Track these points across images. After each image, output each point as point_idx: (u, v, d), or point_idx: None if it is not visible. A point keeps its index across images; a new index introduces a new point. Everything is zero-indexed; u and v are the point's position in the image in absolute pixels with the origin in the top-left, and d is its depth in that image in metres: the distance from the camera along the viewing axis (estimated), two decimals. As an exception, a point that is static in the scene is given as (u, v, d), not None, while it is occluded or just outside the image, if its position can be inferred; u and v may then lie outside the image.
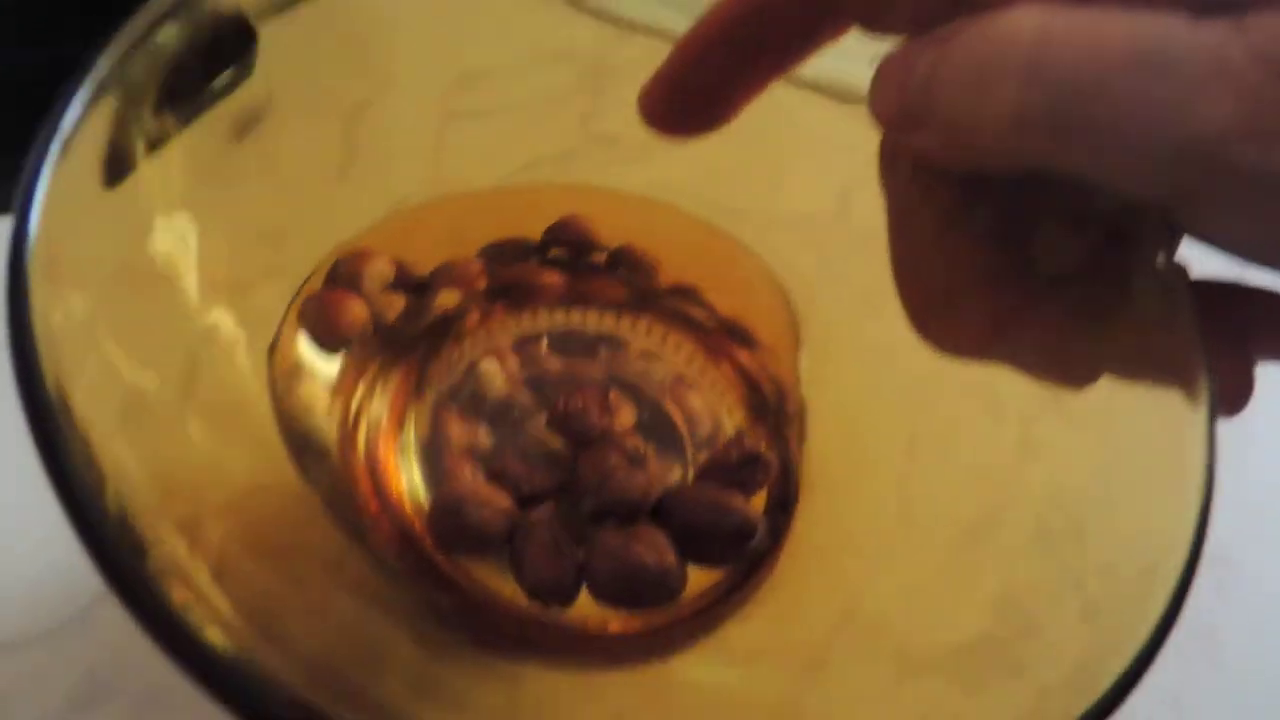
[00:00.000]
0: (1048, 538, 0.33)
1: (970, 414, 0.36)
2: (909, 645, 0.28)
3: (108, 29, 0.47)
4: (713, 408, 0.31)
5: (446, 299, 0.30)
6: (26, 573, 0.30)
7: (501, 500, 0.26)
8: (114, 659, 0.29)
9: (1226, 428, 0.36)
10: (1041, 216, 0.23)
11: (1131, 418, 0.36)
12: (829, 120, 0.47)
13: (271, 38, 0.54)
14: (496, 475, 0.28)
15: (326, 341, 0.27)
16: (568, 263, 0.33)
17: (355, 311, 0.27)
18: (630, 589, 0.26)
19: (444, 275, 0.31)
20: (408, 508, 0.27)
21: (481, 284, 0.30)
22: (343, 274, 0.29)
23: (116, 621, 0.30)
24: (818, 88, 0.54)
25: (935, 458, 0.34)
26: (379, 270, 0.29)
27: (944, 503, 0.33)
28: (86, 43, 0.49)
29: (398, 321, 0.29)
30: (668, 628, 0.26)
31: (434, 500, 0.27)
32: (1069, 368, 0.24)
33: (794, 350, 0.30)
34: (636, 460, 0.29)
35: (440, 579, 0.26)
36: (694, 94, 0.24)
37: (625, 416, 0.31)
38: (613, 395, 0.31)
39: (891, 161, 0.23)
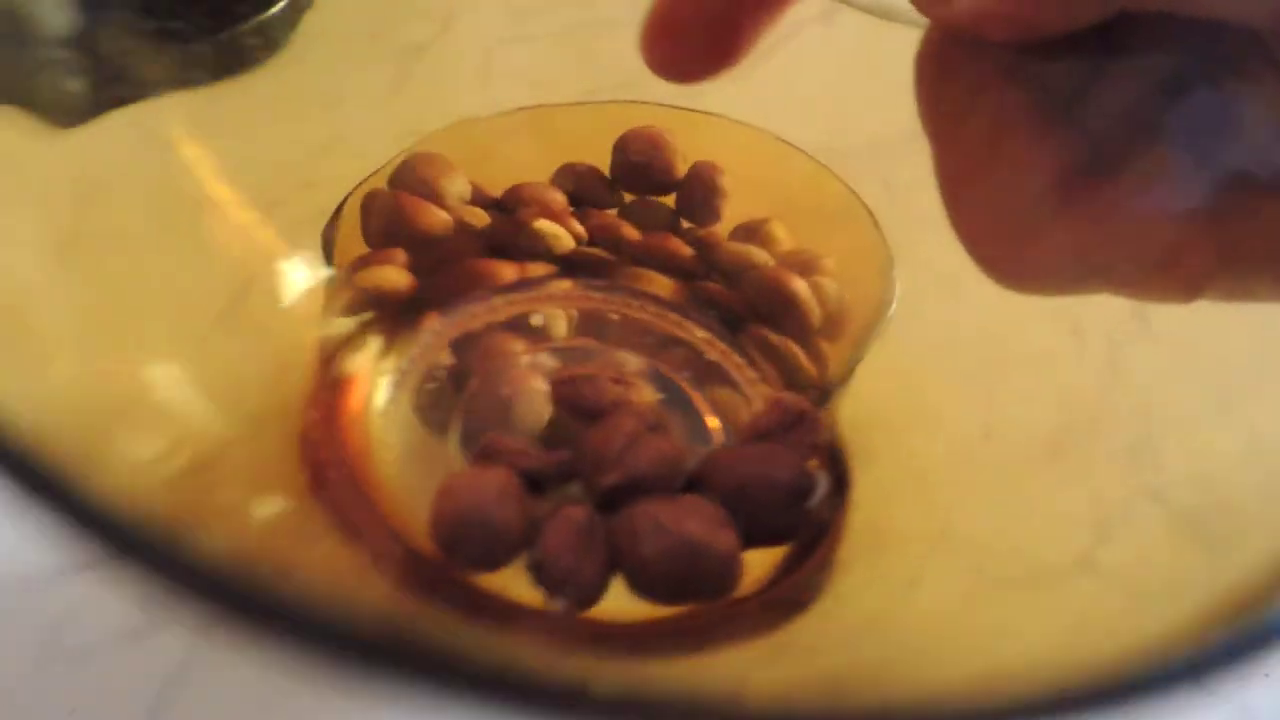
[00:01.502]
0: (1133, 453, 0.32)
1: (1054, 339, 0.36)
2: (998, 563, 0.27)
3: None
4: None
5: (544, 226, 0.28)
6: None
7: (513, 488, 0.21)
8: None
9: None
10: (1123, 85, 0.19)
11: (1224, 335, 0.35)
12: (898, 46, 0.45)
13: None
14: (487, 456, 0.22)
15: (397, 240, 0.26)
16: (640, 214, 0.30)
17: (435, 215, 0.26)
18: (684, 573, 0.20)
19: (524, 200, 0.30)
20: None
21: (568, 223, 0.28)
22: (413, 180, 0.28)
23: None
24: (882, 13, 0.52)
25: (1020, 382, 0.34)
26: (458, 186, 0.29)
27: (1028, 424, 0.33)
28: None
29: (491, 236, 0.26)
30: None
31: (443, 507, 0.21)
32: (1178, 279, 0.20)
33: (874, 278, 0.29)
34: (658, 428, 0.23)
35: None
36: (698, 30, 0.21)
37: (644, 393, 0.26)
38: (629, 372, 0.26)
39: (934, 56, 0.20)
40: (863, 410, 0.33)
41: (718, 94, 0.50)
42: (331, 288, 0.25)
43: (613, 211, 0.32)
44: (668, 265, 0.29)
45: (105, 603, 0.29)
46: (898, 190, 0.42)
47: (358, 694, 0.25)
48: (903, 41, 0.53)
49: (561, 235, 0.28)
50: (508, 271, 0.28)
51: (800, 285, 0.26)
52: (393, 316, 0.25)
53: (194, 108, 0.45)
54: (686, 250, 0.28)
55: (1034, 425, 0.32)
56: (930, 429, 0.33)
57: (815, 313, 0.26)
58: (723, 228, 0.32)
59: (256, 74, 0.47)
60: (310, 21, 0.51)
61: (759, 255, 0.27)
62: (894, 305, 0.27)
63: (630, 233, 0.30)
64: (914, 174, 0.45)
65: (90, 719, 0.26)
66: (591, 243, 0.29)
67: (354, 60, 0.48)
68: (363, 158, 0.31)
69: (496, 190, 0.31)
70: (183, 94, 0.45)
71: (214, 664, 0.27)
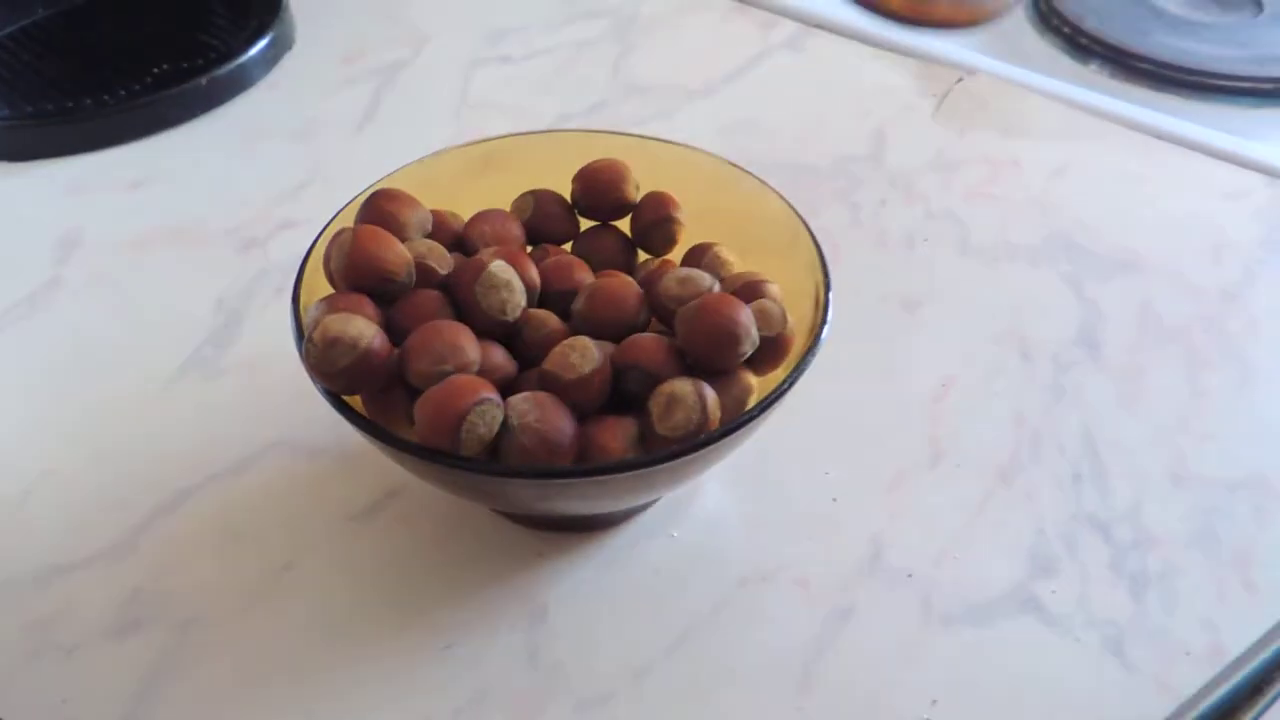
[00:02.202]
0: (1076, 479, 0.33)
1: (1002, 360, 0.37)
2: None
3: None
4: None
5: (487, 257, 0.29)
6: (74, 497, 0.32)
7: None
8: (159, 580, 0.31)
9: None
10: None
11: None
12: (860, 66, 0.47)
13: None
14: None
15: (359, 284, 0.28)
16: (597, 246, 0.32)
17: (395, 252, 0.27)
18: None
19: (485, 238, 0.31)
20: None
21: (524, 266, 0.29)
22: (376, 215, 0.30)
23: (162, 542, 0.32)
24: (849, 35, 0.54)
25: (968, 403, 0.35)
26: (420, 217, 0.30)
27: (976, 446, 0.34)
28: None
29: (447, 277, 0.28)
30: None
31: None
32: None
33: (816, 305, 0.30)
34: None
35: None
36: None
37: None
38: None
39: None
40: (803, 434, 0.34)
41: (684, 116, 0.52)
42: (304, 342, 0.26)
43: (568, 247, 0.33)
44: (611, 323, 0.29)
45: (93, 601, 0.30)
46: (863, 210, 0.44)
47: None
48: (869, 68, 0.54)
49: (513, 286, 0.28)
50: (468, 344, 0.28)
51: (741, 320, 0.27)
52: (374, 386, 0.27)
53: (173, 147, 0.47)
54: (633, 293, 0.29)
55: (985, 448, 0.34)
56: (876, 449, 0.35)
57: (751, 344, 0.27)
58: (676, 252, 0.34)
59: (238, 108, 0.49)
60: (290, 57, 0.53)
61: (703, 282, 0.29)
62: (828, 328, 0.28)
63: (584, 275, 0.31)
64: (878, 191, 0.46)
65: (81, 707, 0.28)
66: (545, 289, 0.30)
67: (331, 91, 0.50)
68: (340, 191, 0.33)
69: (462, 220, 0.32)
70: (164, 134, 0.48)
71: (195, 657, 0.29)
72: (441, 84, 0.51)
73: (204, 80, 0.47)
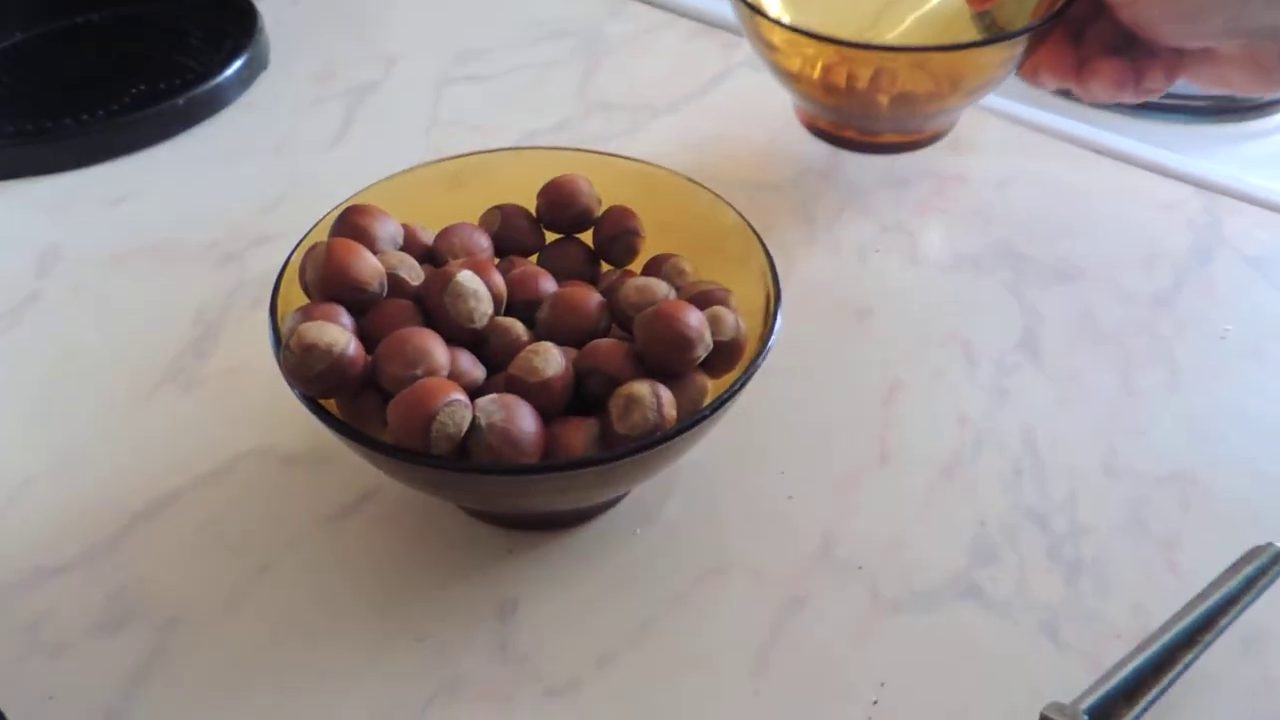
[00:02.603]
0: (1017, 474, 0.35)
1: (947, 363, 0.39)
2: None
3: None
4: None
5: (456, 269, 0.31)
6: (57, 502, 0.33)
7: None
8: (142, 581, 0.33)
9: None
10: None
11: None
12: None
13: (274, 17, 0.57)
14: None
15: (333, 294, 0.29)
16: (560, 255, 0.34)
17: (368, 263, 0.29)
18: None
19: (454, 250, 0.33)
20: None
21: (490, 276, 0.31)
22: (348, 229, 0.31)
23: (144, 545, 0.33)
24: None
25: (915, 405, 0.37)
26: (390, 231, 0.32)
27: (922, 445, 0.36)
28: (93, 11, 0.53)
29: (422, 298, 0.30)
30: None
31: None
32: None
33: (766, 312, 0.32)
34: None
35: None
36: None
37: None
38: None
39: None
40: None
41: (648, 133, 0.54)
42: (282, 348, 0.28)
43: (533, 258, 0.35)
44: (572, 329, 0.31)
45: (78, 602, 0.32)
46: (818, 223, 0.46)
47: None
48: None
49: (480, 295, 0.30)
50: (437, 350, 0.30)
51: (694, 325, 0.29)
52: (349, 392, 0.28)
53: (152, 164, 0.49)
54: (594, 301, 0.31)
55: (930, 447, 0.36)
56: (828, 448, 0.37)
57: (705, 348, 0.29)
58: (636, 263, 0.35)
59: (215, 127, 0.51)
60: (265, 77, 0.55)
61: (660, 290, 0.31)
62: (774, 343, 0.30)
63: (548, 284, 0.33)
64: (834, 205, 0.48)
65: (68, 704, 0.29)
66: (511, 298, 0.32)
67: (305, 110, 0.52)
68: (314, 206, 0.34)
69: (431, 229, 0.34)
70: (143, 152, 0.49)
71: (178, 655, 0.30)
72: (412, 103, 0.53)
73: (181, 100, 0.49)
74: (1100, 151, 0.50)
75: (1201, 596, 0.30)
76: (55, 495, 0.35)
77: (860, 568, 0.33)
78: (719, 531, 0.34)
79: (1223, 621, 0.29)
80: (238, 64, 0.52)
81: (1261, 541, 0.32)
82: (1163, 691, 0.28)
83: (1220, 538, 0.33)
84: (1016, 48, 0.42)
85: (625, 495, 0.34)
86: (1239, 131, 0.52)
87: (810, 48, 0.43)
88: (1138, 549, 0.34)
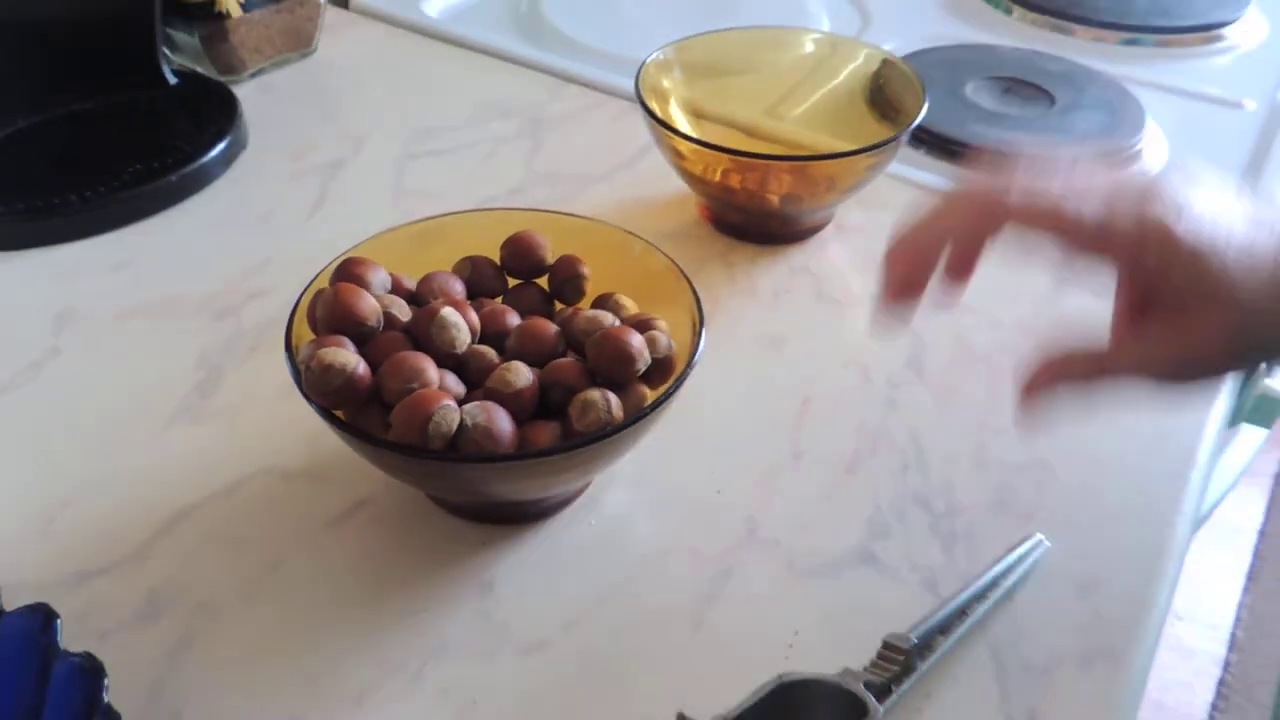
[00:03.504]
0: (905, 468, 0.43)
1: (849, 381, 0.47)
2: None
3: (105, 88, 0.59)
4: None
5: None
6: (93, 516, 0.39)
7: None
8: (171, 579, 0.38)
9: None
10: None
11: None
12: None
13: (250, 103, 0.64)
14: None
15: (339, 328, 0.36)
16: (521, 297, 0.42)
17: (366, 301, 0.36)
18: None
19: (433, 291, 0.40)
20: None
21: (466, 312, 0.38)
22: (346, 276, 0.38)
23: (171, 550, 0.39)
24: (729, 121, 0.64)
25: (822, 414, 0.45)
26: (380, 278, 0.39)
27: (828, 447, 0.44)
28: (89, 100, 0.60)
29: (411, 328, 0.37)
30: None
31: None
32: None
33: (693, 334, 0.40)
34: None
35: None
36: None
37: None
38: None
39: None
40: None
41: (587, 197, 0.62)
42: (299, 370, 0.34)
43: (499, 299, 0.43)
44: (535, 353, 0.39)
45: (117, 598, 0.37)
46: (737, 269, 0.54)
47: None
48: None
49: (460, 326, 0.37)
50: (429, 369, 0.37)
51: (635, 343, 0.36)
52: (357, 406, 0.35)
53: (150, 233, 0.55)
54: (552, 331, 0.38)
55: (834, 448, 0.44)
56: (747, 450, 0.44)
57: (644, 362, 0.36)
58: (585, 301, 0.43)
59: (203, 200, 0.57)
60: (246, 156, 0.62)
61: (606, 319, 0.38)
62: (699, 356, 0.38)
63: (513, 319, 0.40)
64: (749, 255, 0.57)
65: (116, 681, 0.34)
66: (484, 330, 0.39)
67: (283, 184, 0.59)
68: (299, 267, 0.41)
69: (412, 278, 0.41)
70: (141, 223, 0.55)
71: (207, 638, 0.36)
72: (379, 175, 0.60)
73: (174, 177, 0.56)
74: (973, 205, 0.59)
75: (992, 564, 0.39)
76: (89, 514, 0.41)
77: (778, 543, 0.40)
78: (660, 520, 0.41)
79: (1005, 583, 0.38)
80: (221, 145, 0.59)
81: (1095, 513, 0.40)
82: (967, 629, 0.36)
83: (1066, 514, 0.41)
84: (880, 156, 0.51)
85: (582, 492, 0.41)
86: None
87: (711, 156, 0.52)
88: (1001, 523, 0.41)
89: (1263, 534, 1.59)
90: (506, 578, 0.39)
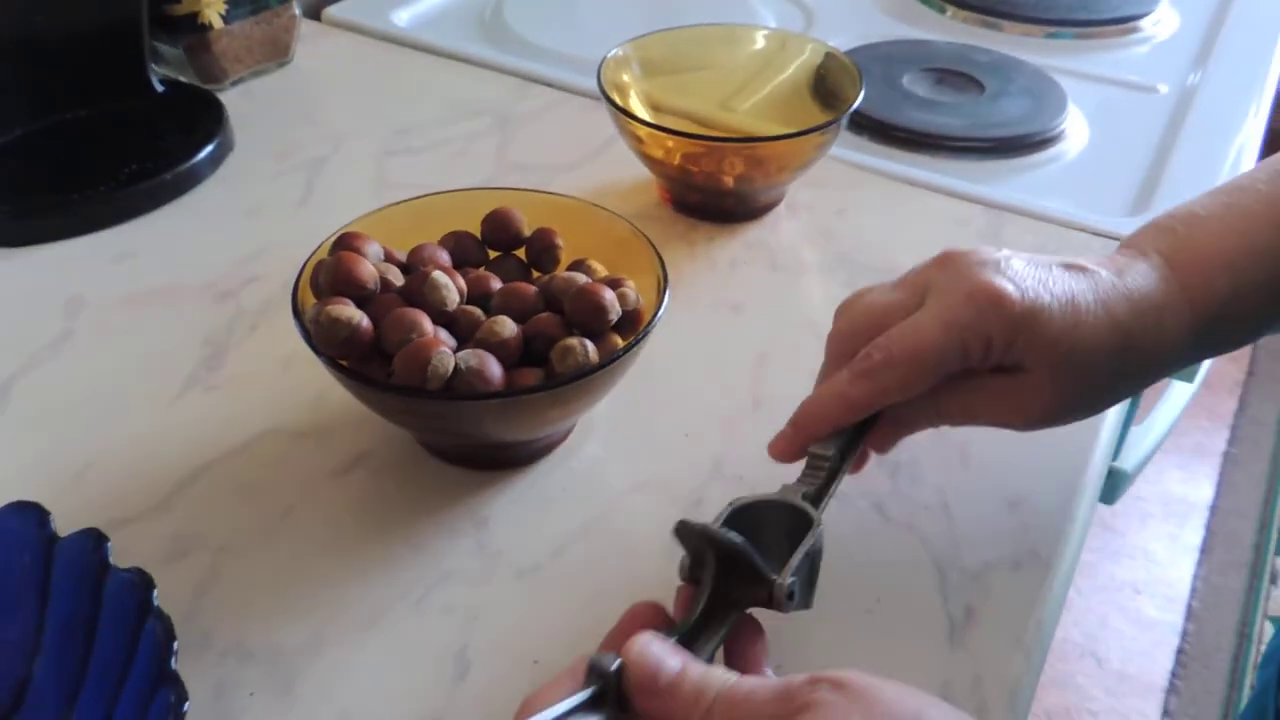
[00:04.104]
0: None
1: (800, 339, 0.53)
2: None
3: (97, 98, 0.64)
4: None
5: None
6: (118, 474, 0.43)
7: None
8: (193, 525, 0.43)
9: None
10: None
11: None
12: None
13: (234, 109, 0.69)
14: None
15: (342, 290, 0.40)
16: (502, 266, 0.46)
17: (364, 267, 0.40)
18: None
19: (423, 260, 0.45)
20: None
21: (454, 277, 0.43)
22: (344, 248, 0.43)
23: (192, 500, 0.43)
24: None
25: (778, 369, 0.50)
26: (373, 250, 0.43)
27: (784, 397, 0.49)
28: (83, 109, 0.65)
29: (405, 290, 0.42)
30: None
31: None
32: None
33: (658, 291, 0.45)
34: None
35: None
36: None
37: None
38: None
39: None
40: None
41: (555, 186, 0.67)
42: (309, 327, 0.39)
43: (483, 269, 0.47)
44: (518, 310, 0.44)
45: (146, 541, 0.42)
46: (697, 245, 0.60)
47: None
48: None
49: (449, 287, 0.42)
50: (425, 322, 0.42)
51: (607, 296, 0.41)
52: (360, 357, 0.40)
53: (149, 228, 0.59)
54: (532, 290, 0.43)
55: (789, 398, 0.49)
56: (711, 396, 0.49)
57: (616, 313, 0.41)
58: (559, 268, 0.48)
59: (197, 197, 0.62)
60: (233, 157, 0.67)
61: (580, 279, 0.43)
62: (665, 308, 0.43)
63: (496, 284, 0.45)
64: (707, 232, 0.62)
65: None
66: (470, 294, 0.44)
67: (270, 181, 0.63)
68: (291, 252, 0.45)
69: (402, 251, 0.46)
70: (139, 219, 0.60)
71: (228, 575, 0.40)
72: (360, 171, 0.65)
73: (168, 175, 0.60)
74: (912, 183, 0.65)
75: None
76: (114, 471, 0.45)
77: (741, 478, 0.45)
78: (636, 461, 0.46)
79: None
80: (210, 147, 0.63)
81: (1022, 440, 0.46)
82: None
83: (997, 439, 0.47)
84: (823, 138, 0.57)
85: (564, 439, 0.46)
86: (1018, 164, 0.68)
87: (670, 141, 0.57)
88: (940, 451, 0.47)
89: (1214, 509, 1.67)
90: (500, 514, 0.43)
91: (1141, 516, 1.65)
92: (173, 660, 0.31)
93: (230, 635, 0.39)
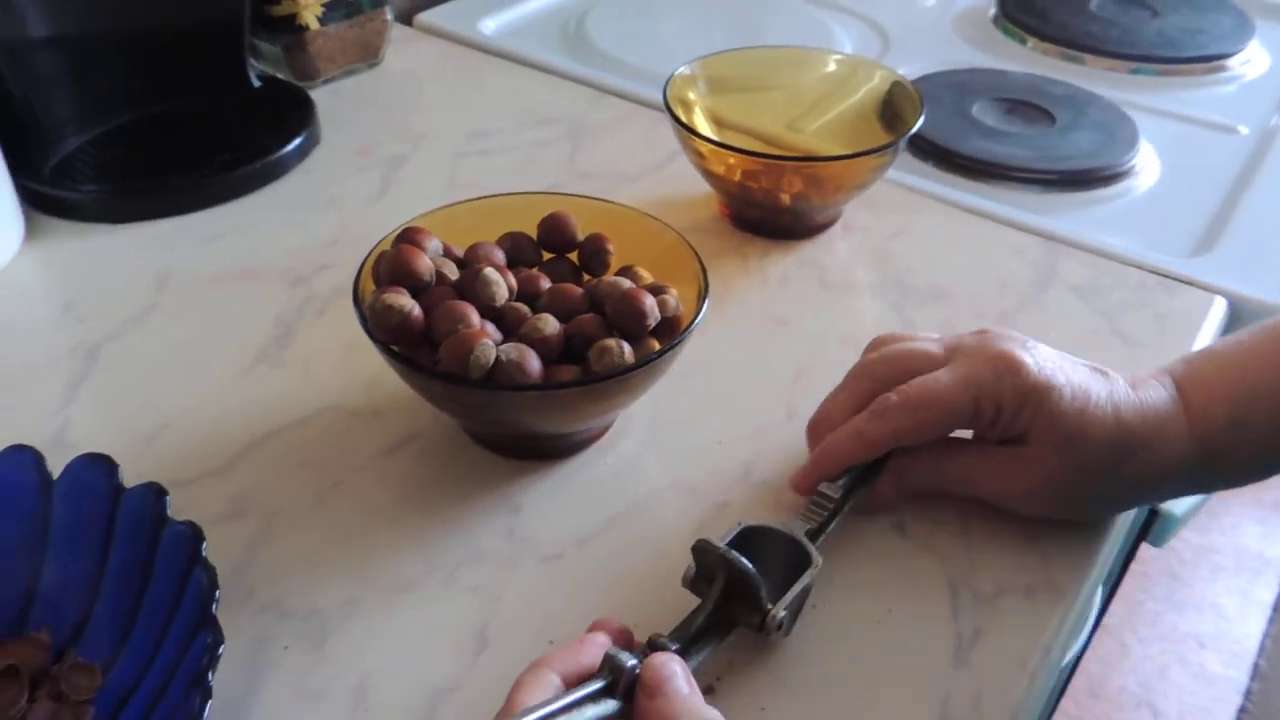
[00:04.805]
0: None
1: (843, 356, 0.54)
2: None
3: (199, 90, 0.68)
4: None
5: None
6: (187, 439, 0.46)
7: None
8: (251, 490, 0.46)
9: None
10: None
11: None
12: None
13: (323, 106, 0.72)
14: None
15: (399, 281, 0.43)
16: (554, 267, 0.49)
17: (421, 260, 0.43)
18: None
19: (478, 257, 0.47)
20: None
21: (506, 275, 0.45)
22: (405, 241, 0.46)
23: (252, 467, 0.46)
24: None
25: (816, 382, 0.52)
26: (433, 245, 0.46)
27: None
28: (185, 99, 0.69)
29: (458, 285, 0.45)
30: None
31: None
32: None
33: (698, 300, 0.46)
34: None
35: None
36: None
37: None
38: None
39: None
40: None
41: (620, 195, 0.69)
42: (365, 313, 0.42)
43: (535, 269, 0.50)
44: (563, 310, 0.46)
45: (206, 501, 0.45)
46: (750, 260, 0.61)
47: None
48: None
49: (499, 284, 0.45)
50: (473, 315, 0.44)
51: (648, 302, 0.43)
52: (410, 344, 0.43)
53: (235, 213, 0.63)
54: (578, 292, 0.46)
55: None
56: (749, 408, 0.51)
57: (654, 318, 0.43)
58: (609, 273, 0.50)
59: (282, 187, 0.65)
60: (319, 150, 0.71)
61: (625, 284, 0.45)
62: (702, 317, 0.44)
63: (545, 283, 0.47)
64: (761, 248, 0.63)
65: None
66: (520, 291, 0.46)
67: (351, 175, 0.67)
68: (363, 244, 0.48)
69: (460, 247, 0.48)
70: (228, 204, 0.64)
71: (279, 535, 0.43)
72: (435, 170, 0.68)
73: (256, 165, 0.64)
74: (970, 210, 0.65)
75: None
76: (184, 435, 0.48)
77: (768, 484, 0.47)
78: (668, 462, 0.48)
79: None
80: (298, 140, 0.67)
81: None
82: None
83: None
84: (879, 160, 0.58)
85: (601, 436, 0.48)
86: (1082, 198, 0.68)
87: (730, 157, 0.59)
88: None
89: (1291, 567, 1.61)
90: (532, 502, 0.46)
91: (1213, 569, 1.61)
92: (214, 607, 0.34)
93: (272, 593, 0.42)
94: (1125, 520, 0.48)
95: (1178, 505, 0.72)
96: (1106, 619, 1.52)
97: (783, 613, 0.37)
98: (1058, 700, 1.11)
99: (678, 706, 0.32)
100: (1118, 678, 1.45)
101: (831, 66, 0.68)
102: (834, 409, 0.45)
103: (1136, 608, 1.55)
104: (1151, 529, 0.71)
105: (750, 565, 0.37)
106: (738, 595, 0.38)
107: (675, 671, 0.33)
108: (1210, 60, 0.85)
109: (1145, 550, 1.79)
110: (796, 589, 0.38)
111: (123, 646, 0.36)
